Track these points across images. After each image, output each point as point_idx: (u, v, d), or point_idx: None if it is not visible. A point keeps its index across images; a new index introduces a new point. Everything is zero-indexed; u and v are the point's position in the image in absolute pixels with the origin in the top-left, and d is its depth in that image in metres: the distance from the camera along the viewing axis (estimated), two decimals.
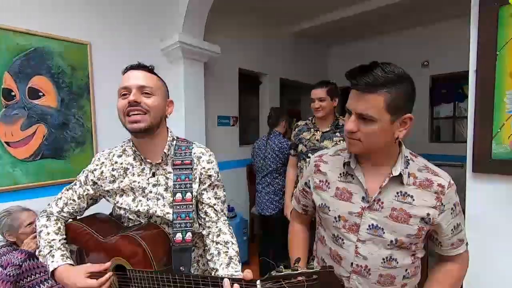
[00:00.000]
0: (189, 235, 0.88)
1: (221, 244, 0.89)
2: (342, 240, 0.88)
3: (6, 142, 1.88)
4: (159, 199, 0.92)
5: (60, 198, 1.00)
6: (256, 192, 2.74)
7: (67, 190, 1.02)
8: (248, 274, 0.68)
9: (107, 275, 0.82)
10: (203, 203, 0.95)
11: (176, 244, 0.87)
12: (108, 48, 2.37)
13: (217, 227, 0.93)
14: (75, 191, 1.00)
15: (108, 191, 0.97)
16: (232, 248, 0.89)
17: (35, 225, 1.66)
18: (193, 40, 2.68)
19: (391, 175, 0.82)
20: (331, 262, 0.92)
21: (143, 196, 0.93)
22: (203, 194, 0.95)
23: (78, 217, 1.04)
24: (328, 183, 0.92)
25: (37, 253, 0.97)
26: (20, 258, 1.55)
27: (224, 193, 1.00)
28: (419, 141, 4.50)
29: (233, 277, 0.72)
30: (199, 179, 0.94)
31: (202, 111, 2.96)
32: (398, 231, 0.81)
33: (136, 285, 0.82)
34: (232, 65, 3.67)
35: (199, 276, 0.73)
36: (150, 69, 0.93)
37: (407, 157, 0.85)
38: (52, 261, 0.87)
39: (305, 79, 4.75)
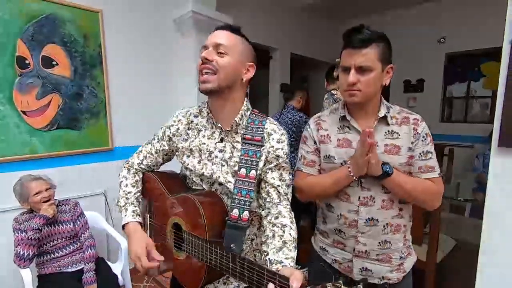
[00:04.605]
0: (246, 214, 0.84)
1: (277, 227, 0.83)
2: None
3: (22, 111, 1.88)
4: (224, 165, 0.91)
5: (141, 151, 1.07)
6: None
7: (147, 144, 1.07)
8: (295, 283, 0.59)
9: (156, 263, 0.86)
10: (266, 182, 0.90)
11: (232, 219, 0.83)
12: (120, 16, 2.30)
13: (277, 209, 0.87)
14: (153, 146, 1.04)
15: (178, 148, 0.99)
16: (289, 233, 0.83)
17: (52, 193, 1.70)
18: (206, 10, 2.60)
19: (378, 117, 1.00)
20: (339, 203, 1.05)
21: (208, 160, 0.93)
22: (268, 173, 0.90)
23: (155, 170, 1.10)
24: (330, 137, 1.07)
25: (115, 201, 1.04)
26: (39, 223, 1.61)
27: (290, 176, 0.95)
28: (429, 121, 4.40)
29: (280, 278, 0.63)
30: (266, 157, 0.90)
31: None
32: (391, 162, 0.97)
33: (188, 247, 0.85)
34: None
35: (246, 260, 0.69)
36: (233, 29, 0.90)
37: (387, 105, 1.04)
38: (125, 215, 0.96)
39: (317, 55, 4.64)
